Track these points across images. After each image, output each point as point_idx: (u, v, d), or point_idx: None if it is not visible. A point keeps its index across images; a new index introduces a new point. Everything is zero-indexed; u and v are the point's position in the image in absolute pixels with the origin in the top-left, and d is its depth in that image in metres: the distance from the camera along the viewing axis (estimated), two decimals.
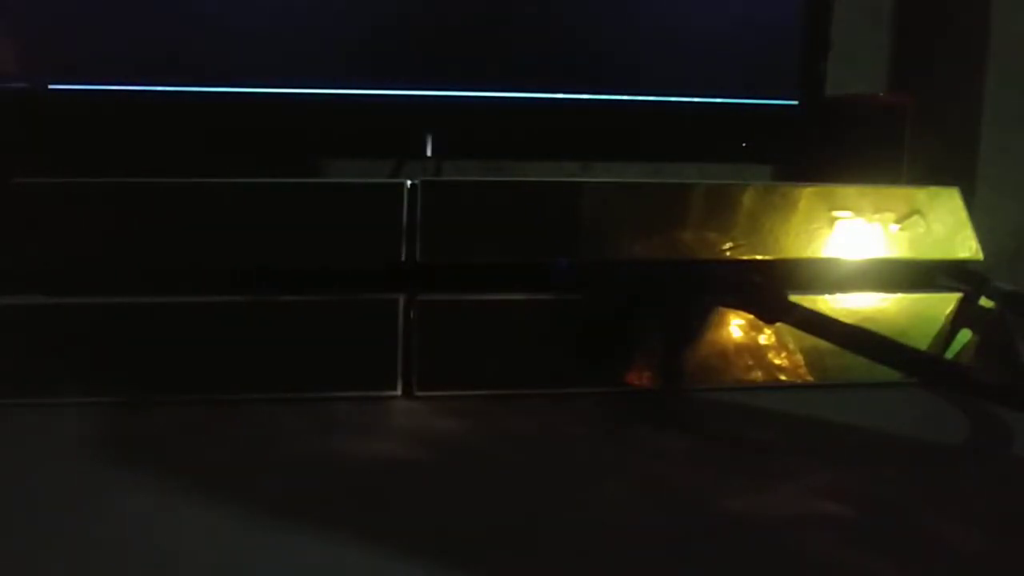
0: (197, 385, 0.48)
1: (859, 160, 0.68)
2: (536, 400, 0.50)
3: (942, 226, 0.56)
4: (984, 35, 0.77)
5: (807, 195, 0.55)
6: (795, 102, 0.73)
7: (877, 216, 0.56)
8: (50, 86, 0.63)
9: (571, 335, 0.51)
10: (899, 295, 0.55)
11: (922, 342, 0.55)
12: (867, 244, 0.55)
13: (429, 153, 0.69)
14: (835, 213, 0.55)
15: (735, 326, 0.53)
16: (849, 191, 0.56)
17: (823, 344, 0.49)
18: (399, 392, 0.50)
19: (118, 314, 0.48)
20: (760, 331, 0.53)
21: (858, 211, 0.55)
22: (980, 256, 0.57)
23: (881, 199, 0.56)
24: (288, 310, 0.49)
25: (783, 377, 0.53)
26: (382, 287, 0.50)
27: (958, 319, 0.55)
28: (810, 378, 0.53)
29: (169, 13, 0.64)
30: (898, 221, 0.56)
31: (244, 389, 0.49)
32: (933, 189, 0.57)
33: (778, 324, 0.51)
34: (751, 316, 0.51)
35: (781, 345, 0.53)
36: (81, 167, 0.52)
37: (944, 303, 0.56)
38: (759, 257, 0.54)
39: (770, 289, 0.49)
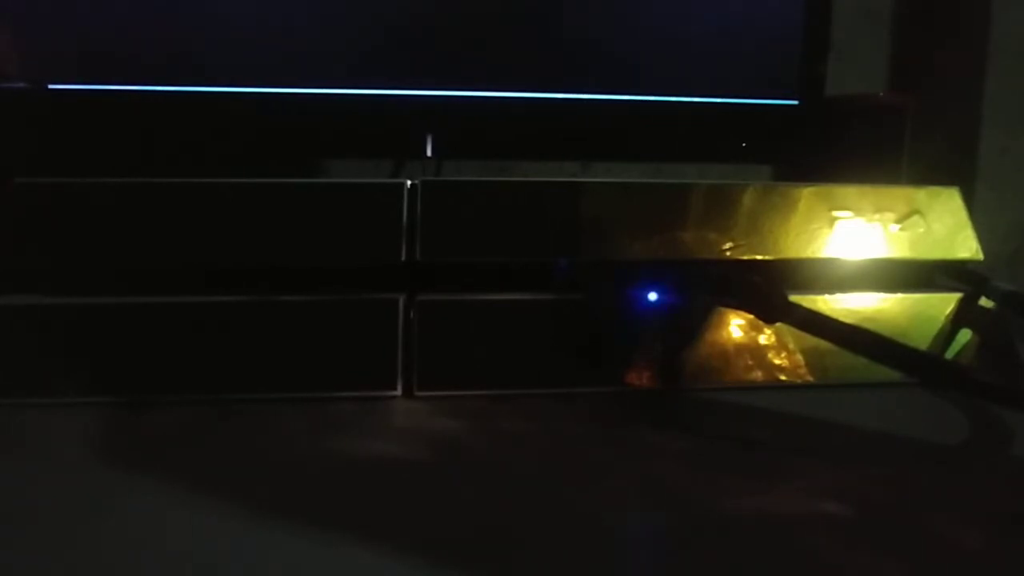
0: (197, 385, 0.48)
1: (859, 160, 0.68)
2: (536, 400, 0.50)
3: (942, 226, 0.57)
4: (984, 35, 0.77)
5: (807, 195, 0.55)
6: (795, 102, 0.73)
7: (877, 216, 0.56)
8: (50, 86, 0.63)
9: (571, 335, 0.51)
10: (899, 295, 0.55)
11: (922, 342, 0.55)
12: (867, 244, 0.55)
13: (429, 153, 0.69)
14: (835, 213, 0.55)
15: (735, 326, 0.53)
16: (849, 191, 0.56)
17: (823, 344, 0.49)
18: (399, 392, 0.50)
19: (118, 314, 0.48)
20: (760, 331, 0.53)
21: (858, 211, 0.55)
22: (980, 256, 0.56)
23: (881, 199, 0.56)
24: (288, 310, 0.49)
25: (783, 377, 0.53)
26: (382, 287, 0.50)
27: (958, 319, 0.55)
28: (810, 378, 0.53)
29: (169, 13, 0.64)
30: (898, 221, 0.56)
31: (244, 389, 0.49)
32: (933, 189, 0.57)
33: (778, 324, 0.51)
34: (751, 316, 0.51)
35: (781, 345, 0.53)
36: (81, 167, 0.52)
37: (944, 303, 0.56)
38: (759, 257, 0.54)
39: (770, 289, 0.49)
